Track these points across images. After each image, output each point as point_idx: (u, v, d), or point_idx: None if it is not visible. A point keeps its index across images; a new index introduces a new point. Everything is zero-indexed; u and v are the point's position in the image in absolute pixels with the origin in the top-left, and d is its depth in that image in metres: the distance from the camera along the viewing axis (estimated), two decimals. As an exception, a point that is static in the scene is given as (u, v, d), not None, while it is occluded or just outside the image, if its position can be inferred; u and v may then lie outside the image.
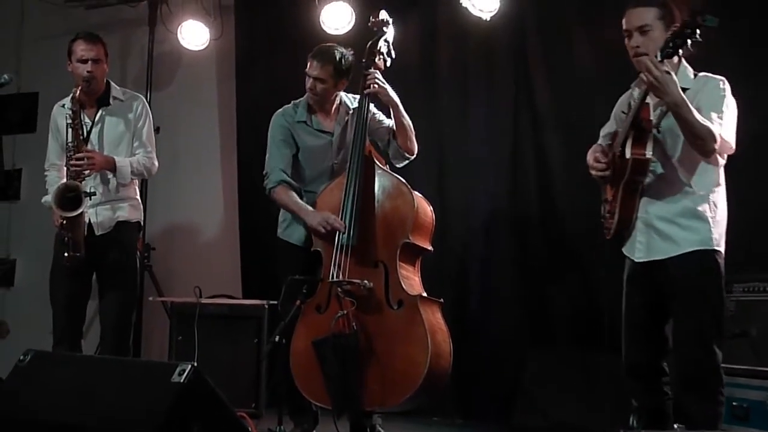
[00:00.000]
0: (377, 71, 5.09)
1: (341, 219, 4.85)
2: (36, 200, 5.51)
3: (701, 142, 3.95)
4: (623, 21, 4.19)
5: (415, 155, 5.28)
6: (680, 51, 3.81)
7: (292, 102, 5.34)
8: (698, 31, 3.72)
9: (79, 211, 5.09)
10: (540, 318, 6.28)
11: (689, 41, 3.75)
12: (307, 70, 5.16)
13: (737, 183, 4.38)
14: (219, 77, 7.74)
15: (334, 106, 5.29)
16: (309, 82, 5.16)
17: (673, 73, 3.90)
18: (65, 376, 3.76)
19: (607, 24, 5.88)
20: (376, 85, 5.04)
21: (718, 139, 3.97)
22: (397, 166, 5.28)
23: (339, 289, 4.70)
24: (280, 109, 5.33)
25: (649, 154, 4.01)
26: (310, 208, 5.04)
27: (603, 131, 4.57)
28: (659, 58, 3.85)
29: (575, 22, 6.31)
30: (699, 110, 3.95)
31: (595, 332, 5.77)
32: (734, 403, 4.66)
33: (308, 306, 4.78)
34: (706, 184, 4.10)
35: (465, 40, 6.59)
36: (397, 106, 5.10)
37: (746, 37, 5.58)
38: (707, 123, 3.92)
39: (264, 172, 5.22)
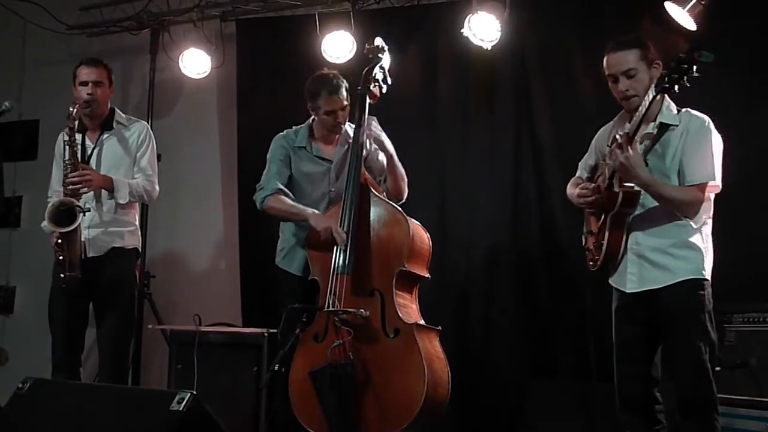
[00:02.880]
0: (374, 120, 5.08)
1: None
2: (36, 227, 5.51)
3: (680, 210, 4.11)
4: (605, 65, 4.31)
5: (404, 200, 5.26)
6: (676, 87, 3.88)
7: (293, 127, 5.36)
8: (695, 67, 3.80)
9: (74, 226, 5.10)
10: (541, 348, 6.24)
11: (685, 77, 3.83)
12: (333, 107, 5.13)
13: (734, 214, 4.41)
14: (220, 105, 7.76)
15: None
16: (339, 116, 5.15)
17: (639, 154, 4.03)
18: (64, 404, 3.77)
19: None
20: (368, 132, 5.02)
21: (702, 200, 4.11)
22: None
23: (336, 318, 4.70)
24: (282, 132, 5.34)
25: (637, 187, 4.09)
26: (313, 210, 5.04)
27: (582, 164, 4.65)
28: (654, 94, 3.95)
29: (576, 53, 6.30)
30: (684, 156, 4.11)
31: (597, 363, 5.76)
32: (734, 434, 4.65)
33: (307, 335, 4.77)
34: (697, 215, 4.16)
35: (466, 69, 6.58)
36: (392, 156, 5.09)
37: (744, 67, 5.59)
38: (683, 191, 4.08)
39: (258, 186, 5.23)
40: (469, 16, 6.13)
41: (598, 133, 4.62)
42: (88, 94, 5.40)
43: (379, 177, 5.24)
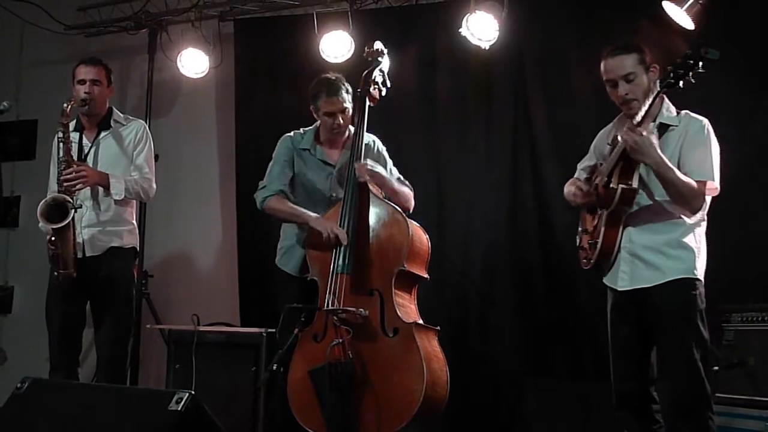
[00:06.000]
0: (366, 160, 5.05)
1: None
2: (34, 227, 5.49)
3: (685, 200, 4.09)
4: (602, 70, 4.32)
5: (410, 212, 5.23)
6: (681, 82, 3.90)
7: (301, 129, 5.35)
8: (701, 63, 3.82)
9: (65, 222, 5.09)
10: (538, 348, 6.24)
11: (690, 73, 3.86)
12: (332, 108, 5.11)
13: (731, 213, 4.41)
14: (218, 105, 7.75)
15: (345, 137, 5.29)
16: (339, 119, 5.12)
17: (654, 136, 4.05)
18: (63, 404, 3.76)
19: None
20: (366, 176, 4.98)
21: (706, 196, 4.13)
22: None
23: (335, 318, 4.70)
24: (290, 133, 5.33)
25: (635, 184, 4.12)
26: (312, 213, 5.04)
27: (581, 165, 4.68)
28: (658, 90, 3.98)
29: (574, 53, 6.31)
30: (682, 155, 4.13)
31: (594, 363, 5.76)
32: (732, 433, 4.65)
33: (305, 334, 4.77)
34: (699, 212, 4.18)
35: (464, 69, 6.58)
36: (393, 187, 5.11)
37: (741, 67, 5.58)
38: (690, 181, 4.05)
39: (259, 184, 5.23)
40: (467, 15, 6.13)
41: (598, 135, 4.64)
42: (85, 92, 5.39)
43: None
